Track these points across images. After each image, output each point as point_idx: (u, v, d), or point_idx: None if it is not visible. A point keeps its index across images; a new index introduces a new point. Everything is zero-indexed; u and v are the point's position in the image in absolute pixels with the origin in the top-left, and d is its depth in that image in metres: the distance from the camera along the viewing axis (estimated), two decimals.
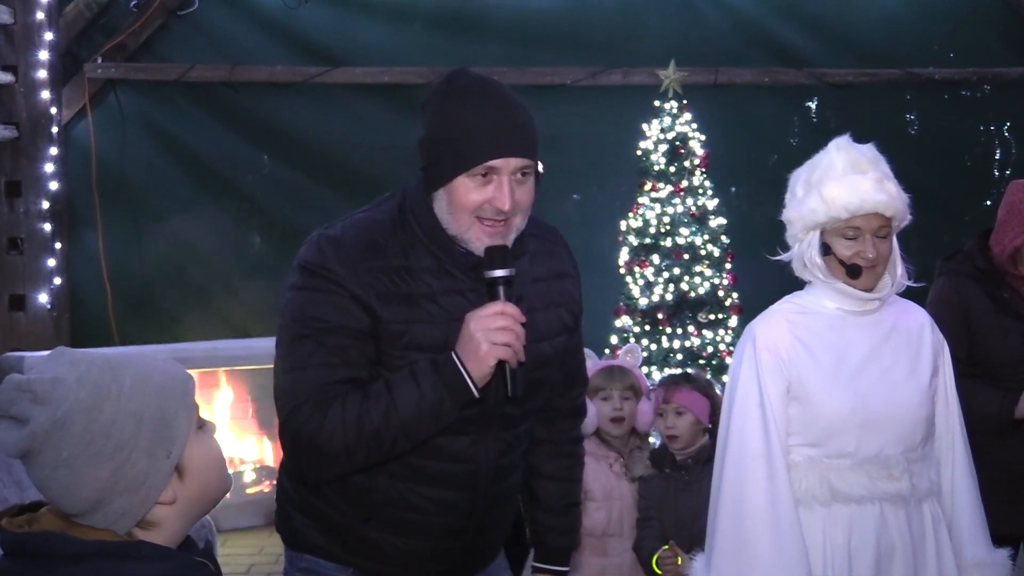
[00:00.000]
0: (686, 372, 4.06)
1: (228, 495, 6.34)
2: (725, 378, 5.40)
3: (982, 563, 2.69)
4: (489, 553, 2.43)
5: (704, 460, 3.49)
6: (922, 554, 2.61)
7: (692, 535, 3.40)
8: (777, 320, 2.64)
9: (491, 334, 2.06)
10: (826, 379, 2.58)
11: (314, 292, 2.13)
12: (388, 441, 2.09)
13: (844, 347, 2.62)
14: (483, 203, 2.10)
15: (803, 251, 2.62)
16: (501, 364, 2.09)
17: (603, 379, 3.76)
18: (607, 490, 3.66)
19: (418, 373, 2.09)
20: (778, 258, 2.72)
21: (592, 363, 3.81)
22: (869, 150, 2.61)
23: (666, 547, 3.51)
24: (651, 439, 3.99)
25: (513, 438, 2.30)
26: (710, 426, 3.61)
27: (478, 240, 2.13)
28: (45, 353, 1.70)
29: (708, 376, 5.28)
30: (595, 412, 3.68)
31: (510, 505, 2.41)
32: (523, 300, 2.18)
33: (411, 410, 2.08)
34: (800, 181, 2.63)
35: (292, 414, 2.11)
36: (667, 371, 5.73)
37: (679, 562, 3.44)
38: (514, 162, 2.10)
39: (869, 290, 2.61)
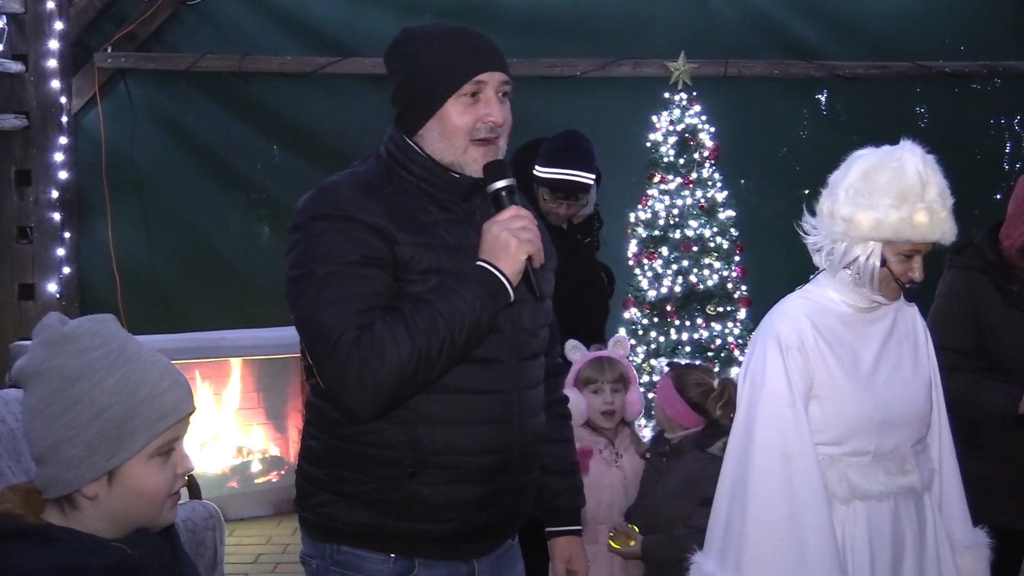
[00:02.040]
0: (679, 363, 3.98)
1: (235, 485, 6.33)
2: (734, 371, 5.41)
3: (974, 544, 2.72)
4: (527, 501, 2.41)
5: (688, 449, 3.47)
6: (924, 541, 2.63)
7: (656, 520, 3.43)
8: (800, 319, 2.58)
9: (516, 232, 2.16)
10: (848, 379, 2.55)
11: (328, 234, 2.15)
12: (436, 352, 2.09)
13: (859, 345, 2.60)
14: (475, 122, 2.21)
15: (855, 253, 2.54)
16: (524, 268, 2.17)
17: (593, 371, 3.73)
18: (597, 477, 3.61)
19: (454, 284, 2.13)
20: (811, 240, 2.63)
21: (581, 354, 3.82)
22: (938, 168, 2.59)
23: (629, 526, 3.53)
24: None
25: (534, 368, 2.35)
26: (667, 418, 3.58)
27: (474, 161, 2.23)
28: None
29: (716, 368, 5.28)
30: (586, 404, 3.68)
31: (541, 443, 2.41)
32: None
33: (456, 315, 2.10)
34: (880, 187, 2.51)
35: (336, 346, 2.07)
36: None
37: (631, 543, 3.45)
38: (498, 76, 2.23)
39: None
